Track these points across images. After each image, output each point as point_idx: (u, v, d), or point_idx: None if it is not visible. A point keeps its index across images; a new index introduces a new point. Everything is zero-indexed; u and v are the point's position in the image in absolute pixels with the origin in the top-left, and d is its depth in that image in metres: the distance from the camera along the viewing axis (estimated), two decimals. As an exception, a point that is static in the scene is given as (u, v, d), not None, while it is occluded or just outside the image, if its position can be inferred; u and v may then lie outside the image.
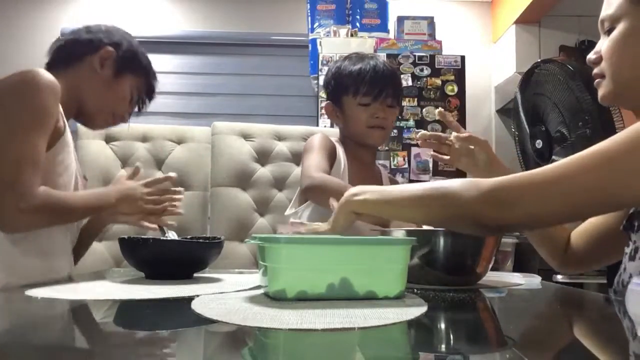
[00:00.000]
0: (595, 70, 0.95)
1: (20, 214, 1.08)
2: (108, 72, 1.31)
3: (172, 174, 1.33)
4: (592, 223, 1.11)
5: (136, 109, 1.42)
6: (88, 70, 1.30)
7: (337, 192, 1.27)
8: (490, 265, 1.02)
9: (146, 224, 1.29)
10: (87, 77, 1.30)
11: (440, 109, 1.30)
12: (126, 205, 1.27)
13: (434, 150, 1.27)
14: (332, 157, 1.48)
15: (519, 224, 0.77)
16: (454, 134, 1.22)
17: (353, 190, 0.92)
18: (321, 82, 2.73)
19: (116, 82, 1.32)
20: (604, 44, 0.93)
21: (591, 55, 0.96)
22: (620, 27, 0.90)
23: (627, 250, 0.94)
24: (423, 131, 1.26)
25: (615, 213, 1.00)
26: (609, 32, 0.92)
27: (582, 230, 1.13)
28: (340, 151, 1.52)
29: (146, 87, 1.39)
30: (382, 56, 2.68)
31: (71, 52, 1.30)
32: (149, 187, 1.29)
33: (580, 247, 1.12)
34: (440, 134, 1.24)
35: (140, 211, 1.28)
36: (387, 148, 2.64)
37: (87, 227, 1.38)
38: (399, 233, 1.01)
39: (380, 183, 1.51)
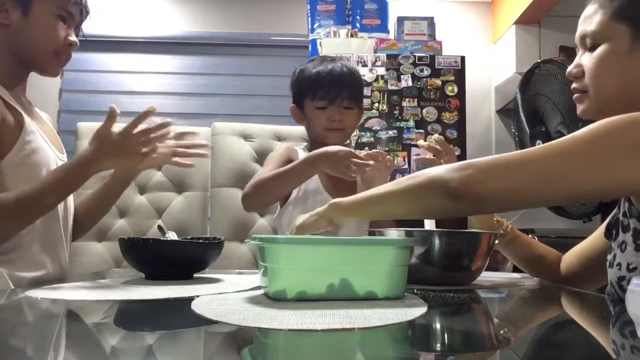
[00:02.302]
0: (576, 85, 0.94)
1: None
2: (15, 15, 1.16)
3: (151, 107, 1.13)
4: (588, 243, 1.11)
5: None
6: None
7: (272, 180, 1.35)
8: (486, 264, 1.02)
9: (173, 161, 1.27)
10: (5, 34, 1.16)
11: (436, 135, 1.33)
12: (121, 161, 1.16)
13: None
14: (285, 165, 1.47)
15: (490, 199, 0.79)
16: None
17: (330, 202, 0.92)
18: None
19: (30, 18, 1.16)
20: (587, 60, 0.92)
21: (572, 69, 0.94)
22: (606, 46, 0.89)
23: (609, 257, 0.93)
24: (422, 141, 1.32)
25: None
26: (591, 48, 0.91)
27: (577, 252, 1.13)
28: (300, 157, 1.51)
29: None
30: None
31: None
32: (132, 129, 1.11)
33: (575, 267, 1.12)
34: (439, 148, 1.26)
35: (137, 157, 1.15)
36: (387, 148, 2.64)
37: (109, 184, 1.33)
38: (395, 233, 1.01)
39: (353, 183, 1.48)
